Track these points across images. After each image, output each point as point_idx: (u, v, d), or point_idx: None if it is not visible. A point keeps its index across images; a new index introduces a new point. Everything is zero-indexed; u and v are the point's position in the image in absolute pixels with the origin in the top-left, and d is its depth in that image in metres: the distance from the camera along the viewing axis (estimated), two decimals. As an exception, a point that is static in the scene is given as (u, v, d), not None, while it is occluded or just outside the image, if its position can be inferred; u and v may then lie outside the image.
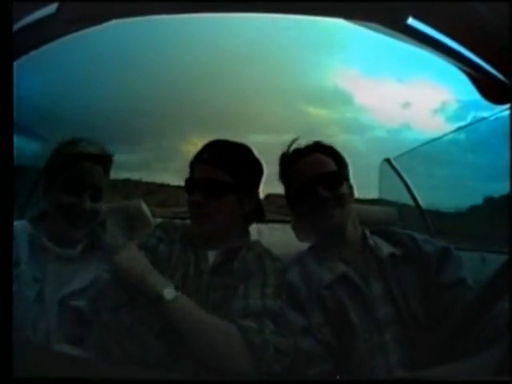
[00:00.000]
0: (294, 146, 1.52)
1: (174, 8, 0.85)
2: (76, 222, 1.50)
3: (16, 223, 1.49)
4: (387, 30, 0.86)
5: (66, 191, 1.49)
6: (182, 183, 1.51)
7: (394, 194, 3.17)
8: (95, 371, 0.79)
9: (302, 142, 1.53)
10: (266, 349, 1.15)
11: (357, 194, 1.52)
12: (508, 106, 0.97)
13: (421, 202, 2.93)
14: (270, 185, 1.66)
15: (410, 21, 0.82)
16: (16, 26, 0.75)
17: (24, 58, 0.85)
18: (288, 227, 1.80)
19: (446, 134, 3.19)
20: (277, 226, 2.57)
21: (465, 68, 0.94)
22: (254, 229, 2.22)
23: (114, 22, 0.86)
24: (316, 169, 1.42)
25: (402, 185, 3.01)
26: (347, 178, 1.49)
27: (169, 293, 1.20)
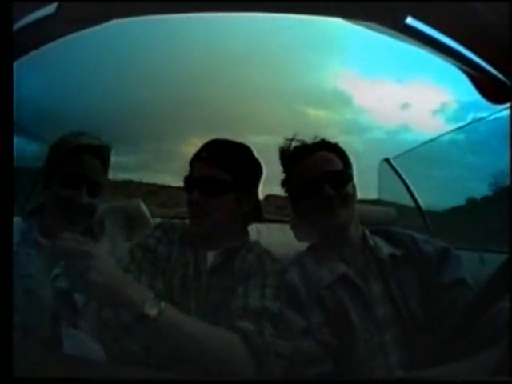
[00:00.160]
0: (300, 143, 1.51)
1: (173, 8, 0.85)
2: (72, 217, 1.47)
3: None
4: (386, 30, 0.86)
5: (63, 184, 1.47)
6: (182, 184, 1.50)
7: (393, 194, 3.16)
8: (95, 371, 0.79)
9: (304, 142, 1.52)
10: (268, 352, 1.14)
11: (357, 195, 1.51)
12: (507, 105, 0.97)
13: (420, 202, 2.93)
14: (270, 185, 1.65)
15: (409, 20, 0.82)
16: (15, 26, 0.75)
17: (23, 58, 0.85)
18: (287, 227, 1.80)
19: (445, 134, 3.19)
20: (276, 226, 2.57)
21: (464, 68, 0.94)
22: (253, 229, 2.22)
23: (113, 22, 0.86)
24: (323, 167, 1.42)
25: (401, 185, 3.01)
26: (352, 178, 1.48)
27: (151, 307, 1.04)
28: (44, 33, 0.86)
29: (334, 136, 1.50)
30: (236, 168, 1.44)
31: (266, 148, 1.54)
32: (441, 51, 0.89)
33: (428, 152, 3.25)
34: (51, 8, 0.79)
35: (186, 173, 1.51)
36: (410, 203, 2.95)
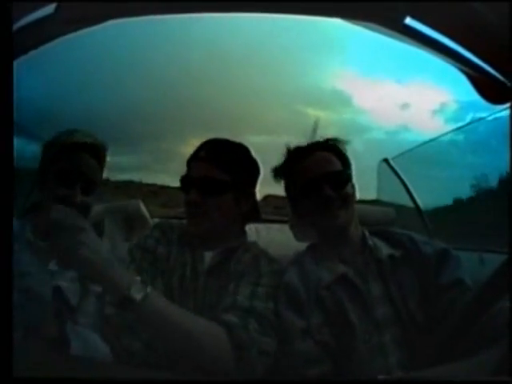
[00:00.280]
0: (299, 144, 1.51)
1: (172, 8, 0.86)
2: None
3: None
4: (385, 30, 0.86)
5: (56, 182, 1.42)
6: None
7: (392, 195, 3.16)
8: (95, 371, 0.79)
9: (303, 143, 1.51)
10: (251, 347, 1.13)
11: (357, 195, 1.51)
12: (507, 105, 0.97)
13: (419, 203, 2.93)
14: (269, 185, 1.65)
15: (408, 20, 0.82)
16: (15, 26, 0.75)
17: (23, 57, 0.85)
18: (286, 227, 1.80)
19: (445, 135, 3.19)
20: (275, 226, 2.56)
21: (464, 68, 0.94)
22: (252, 229, 2.22)
23: (112, 22, 0.86)
24: (322, 167, 1.41)
25: (400, 185, 3.01)
26: (351, 178, 1.48)
27: (137, 291, 1.02)
28: (43, 33, 0.87)
29: (333, 136, 1.50)
30: (234, 168, 1.43)
31: (265, 148, 1.54)
32: (440, 51, 0.89)
33: (427, 152, 3.26)
34: (50, 8, 0.79)
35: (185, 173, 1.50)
36: (409, 203, 2.95)
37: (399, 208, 2.81)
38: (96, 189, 1.49)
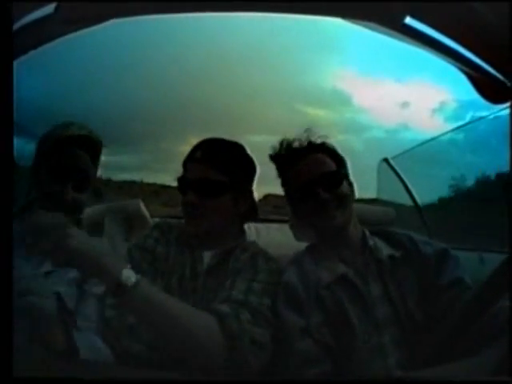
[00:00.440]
0: (291, 147, 1.50)
1: (172, 8, 0.85)
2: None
3: None
4: (385, 30, 0.86)
5: (48, 178, 1.38)
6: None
7: (392, 194, 3.16)
8: (95, 371, 0.79)
9: (295, 146, 1.50)
10: (243, 337, 1.14)
11: (355, 194, 1.51)
12: (506, 105, 0.97)
13: (419, 202, 2.93)
14: (268, 185, 1.65)
15: (408, 20, 0.82)
16: (15, 26, 0.75)
17: (23, 58, 0.85)
18: (286, 227, 1.80)
19: (445, 134, 3.19)
20: (275, 226, 2.55)
21: (463, 67, 0.94)
22: (252, 229, 2.22)
23: (112, 21, 0.86)
24: (315, 170, 1.40)
25: (400, 185, 3.01)
26: (347, 176, 1.48)
27: (127, 278, 1.03)
28: (43, 33, 0.87)
29: (333, 135, 1.50)
30: (231, 168, 1.42)
31: (265, 147, 1.53)
32: (440, 51, 0.89)
33: (427, 151, 3.26)
34: (49, 8, 0.79)
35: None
36: (409, 203, 2.95)
37: (399, 207, 2.81)
38: (89, 185, 1.45)
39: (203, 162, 1.41)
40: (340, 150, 1.50)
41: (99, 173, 1.53)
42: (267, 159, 1.54)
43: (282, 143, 1.51)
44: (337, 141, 1.51)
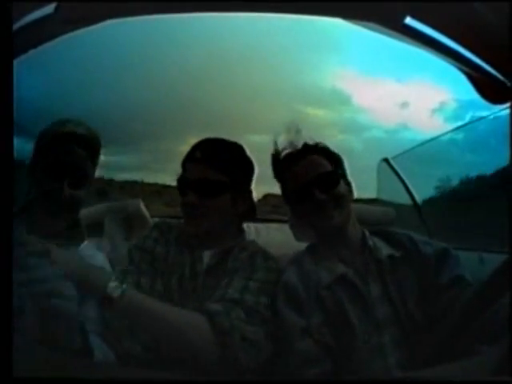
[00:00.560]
0: (286, 151, 1.50)
1: (172, 8, 0.85)
2: (55, 211, 1.36)
3: None
4: (385, 30, 0.86)
5: (46, 175, 1.35)
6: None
7: (392, 194, 3.16)
8: (95, 371, 0.79)
9: (291, 149, 1.50)
10: (233, 333, 1.15)
11: (355, 194, 1.50)
12: (506, 105, 0.97)
13: (419, 202, 2.93)
14: (268, 184, 1.65)
15: (408, 20, 0.82)
16: (15, 26, 0.75)
17: (23, 57, 0.85)
18: (286, 227, 1.80)
19: (445, 134, 3.19)
20: (274, 225, 2.55)
21: (463, 68, 0.94)
22: (252, 229, 2.22)
23: (111, 21, 0.86)
24: (311, 171, 1.40)
25: (400, 185, 3.01)
26: (344, 176, 1.48)
27: (113, 289, 1.10)
28: (43, 32, 0.86)
29: (333, 135, 1.52)
30: (231, 168, 1.42)
31: (265, 147, 1.53)
32: (440, 51, 0.89)
33: (427, 151, 3.25)
34: (50, 8, 0.79)
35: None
36: (409, 203, 2.95)
37: (399, 207, 2.81)
38: (87, 182, 1.42)
39: (203, 162, 1.41)
40: (340, 150, 1.50)
41: (102, 173, 1.53)
42: (267, 159, 1.54)
43: (276, 146, 1.52)
44: (336, 141, 1.51)
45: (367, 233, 1.44)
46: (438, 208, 3.77)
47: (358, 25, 0.88)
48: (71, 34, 0.89)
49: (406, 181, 2.98)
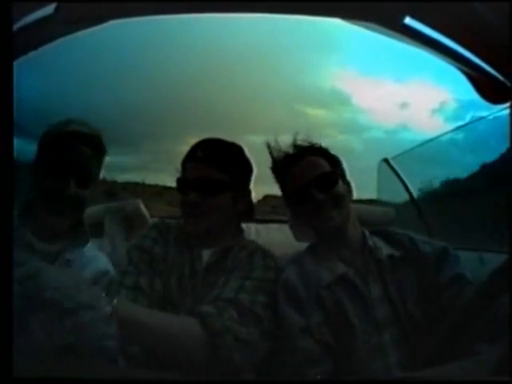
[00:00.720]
0: (284, 153, 1.50)
1: (172, 9, 0.86)
2: (60, 209, 1.36)
3: None
4: (385, 30, 0.86)
5: (50, 174, 1.36)
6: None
7: (392, 194, 3.16)
8: (95, 371, 0.79)
9: (290, 150, 1.50)
10: (225, 334, 1.15)
11: (355, 195, 1.50)
12: (506, 105, 0.97)
13: (419, 202, 2.93)
14: (267, 185, 1.65)
15: (408, 20, 0.82)
16: (15, 26, 0.75)
17: (22, 58, 0.85)
18: (286, 227, 1.80)
19: (444, 134, 3.19)
20: (274, 226, 2.56)
21: (463, 68, 0.94)
22: (252, 229, 2.22)
23: (112, 22, 0.86)
24: (310, 172, 1.41)
25: (400, 185, 3.01)
26: (343, 176, 1.48)
27: (104, 307, 1.05)
28: (43, 33, 0.87)
29: (333, 135, 1.52)
30: (231, 167, 1.43)
31: (264, 148, 1.53)
32: (439, 51, 0.89)
33: (427, 152, 3.25)
34: (50, 8, 0.79)
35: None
36: (409, 203, 2.95)
37: (399, 208, 2.81)
38: (92, 181, 1.43)
39: (203, 162, 1.42)
40: (340, 151, 1.51)
41: (104, 174, 1.52)
42: (266, 160, 1.54)
43: (275, 148, 1.52)
44: (336, 141, 1.52)
45: (367, 233, 1.44)
46: (437, 208, 3.77)
47: (358, 25, 0.88)
48: (71, 35, 0.89)
49: (406, 181, 2.98)
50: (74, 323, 0.92)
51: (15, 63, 0.77)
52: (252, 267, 1.37)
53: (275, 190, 1.56)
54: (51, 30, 0.86)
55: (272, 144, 1.52)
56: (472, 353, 0.87)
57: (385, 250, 1.37)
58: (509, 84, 0.89)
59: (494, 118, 2.43)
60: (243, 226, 1.61)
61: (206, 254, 1.42)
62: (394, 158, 3.13)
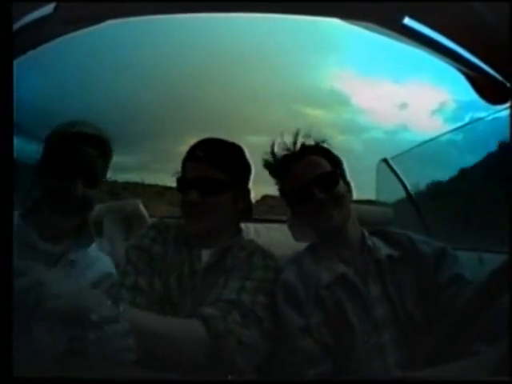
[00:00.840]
0: (284, 152, 1.51)
1: (172, 8, 0.86)
2: (65, 209, 1.35)
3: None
4: (384, 30, 0.86)
5: (56, 175, 1.35)
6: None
7: (391, 195, 3.16)
8: (95, 371, 0.79)
9: (291, 150, 1.51)
10: (229, 336, 1.15)
11: (354, 195, 1.50)
12: (506, 105, 0.97)
13: (418, 203, 2.93)
14: (266, 185, 1.65)
15: (407, 20, 0.82)
16: (15, 26, 0.75)
17: (22, 58, 0.85)
18: (285, 227, 1.80)
19: (444, 134, 3.18)
20: (274, 225, 2.55)
21: (462, 68, 0.94)
22: (252, 229, 2.21)
23: (111, 22, 0.86)
24: (311, 172, 1.41)
25: (399, 185, 3.01)
26: (343, 176, 1.48)
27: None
28: (43, 33, 0.87)
29: (332, 136, 1.50)
30: (231, 167, 1.44)
31: (264, 148, 1.54)
32: (439, 51, 0.89)
33: (426, 152, 3.25)
34: (50, 8, 0.79)
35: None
36: (408, 203, 2.95)
37: (398, 208, 2.81)
38: (98, 181, 1.43)
39: (204, 161, 1.42)
40: (340, 151, 1.51)
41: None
42: (265, 159, 1.54)
43: (275, 148, 1.52)
44: (336, 141, 1.51)
45: (366, 233, 1.44)
46: (437, 208, 3.77)
47: (357, 25, 0.88)
48: (71, 35, 0.89)
49: (405, 181, 2.98)
50: (81, 332, 0.92)
51: (15, 63, 0.77)
52: (252, 267, 1.37)
53: (273, 190, 1.56)
54: (50, 29, 0.86)
55: (275, 143, 1.52)
56: (471, 353, 0.87)
57: (384, 250, 1.38)
58: (508, 84, 0.89)
59: (493, 119, 2.43)
60: (242, 225, 1.61)
61: (206, 254, 1.42)
62: (392, 158, 3.13)
